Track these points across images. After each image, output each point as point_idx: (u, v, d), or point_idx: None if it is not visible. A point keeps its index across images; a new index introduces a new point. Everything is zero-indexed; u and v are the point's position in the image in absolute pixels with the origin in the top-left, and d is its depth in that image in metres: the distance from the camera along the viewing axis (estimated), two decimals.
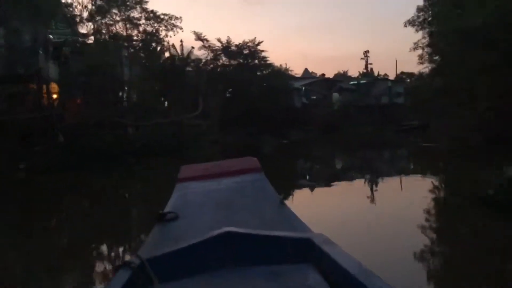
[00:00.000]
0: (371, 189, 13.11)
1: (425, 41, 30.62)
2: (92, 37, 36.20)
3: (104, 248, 8.37)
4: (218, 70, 43.49)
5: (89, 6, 35.18)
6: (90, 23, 36.01)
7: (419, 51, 31.63)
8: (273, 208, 2.98)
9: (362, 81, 59.93)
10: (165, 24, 39.46)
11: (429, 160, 20.64)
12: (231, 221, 2.51)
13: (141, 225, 9.13)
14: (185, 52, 42.07)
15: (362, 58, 73.33)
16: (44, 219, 11.18)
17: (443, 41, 25.61)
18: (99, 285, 5.79)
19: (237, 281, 2.04)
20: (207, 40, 42.92)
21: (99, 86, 26.08)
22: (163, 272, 2.00)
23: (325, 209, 9.46)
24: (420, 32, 30.82)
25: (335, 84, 53.96)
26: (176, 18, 39.54)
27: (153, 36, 40.38)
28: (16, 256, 7.75)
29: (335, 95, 52.79)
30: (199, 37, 42.59)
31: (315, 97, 50.80)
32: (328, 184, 14.71)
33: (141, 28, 39.36)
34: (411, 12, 36.15)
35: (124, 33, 38.70)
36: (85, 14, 34.45)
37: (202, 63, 42.39)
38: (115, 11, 37.38)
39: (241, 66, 43.69)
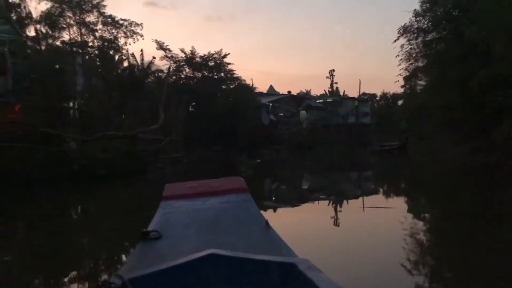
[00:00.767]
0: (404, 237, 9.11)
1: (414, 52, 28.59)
2: (43, 42, 32.96)
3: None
4: (181, 82, 40.54)
5: (39, 8, 31.91)
6: (40, 26, 32.80)
7: (404, 66, 29.94)
8: (259, 230, 2.91)
9: (328, 100, 58.55)
10: (124, 30, 36.43)
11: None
12: (216, 243, 2.50)
13: None
14: (146, 62, 39.23)
15: (327, 77, 72.20)
16: None
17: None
18: None
19: None
20: (169, 50, 40.02)
21: (44, 94, 22.55)
22: None
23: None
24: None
25: (302, 102, 52.10)
26: (137, 24, 36.57)
27: (111, 43, 37.28)
28: None
29: (303, 113, 50.90)
30: (161, 46, 39.62)
31: (282, 114, 48.71)
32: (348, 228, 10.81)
33: (97, 34, 36.28)
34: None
35: (79, 39, 35.54)
36: (35, 15, 31.09)
37: (164, 75, 39.46)
38: (69, 14, 34.23)
39: (206, 78, 41.00)
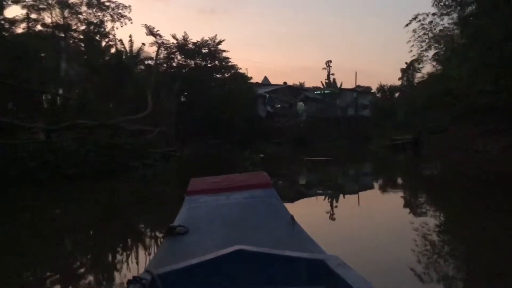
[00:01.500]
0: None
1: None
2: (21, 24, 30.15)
3: None
4: (173, 70, 37.87)
5: None
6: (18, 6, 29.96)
7: (416, 51, 27.39)
8: (284, 226, 2.89)
9: (326, 91, 56.08)
10: (111, 13, 33.65)
11: None
12: (242, 238, 2.48)
13: None
14: (135, 49, 36.50)
15: (324, 68, 69.67)
16: None
17: None
18: None
19: None
20: (160, 36, 37.25)
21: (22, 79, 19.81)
22: None
23: None
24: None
25: (299, 93, 49.58)
26: (125, 7, 33.80)
27: (97, 28, 34.49)
28: None
29: (300, 104, 48.43)
30: (151, 31, 36.84)
31: (279, 105, 46.21)
32: None
33: (82, 17, 33.47)
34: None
35: (61, 22, 32.71)
36: None
37: (154, 61, 36.76)
38: None
39: (199, 67, 38.36)
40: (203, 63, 38.49)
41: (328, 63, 69.70)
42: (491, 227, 6.89)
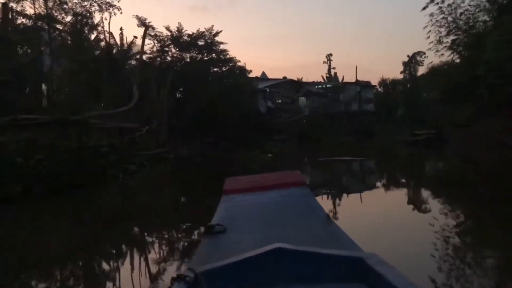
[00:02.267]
0: None
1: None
2: None
3: None
4: (165, 64, 35.37)
5: None
6: None
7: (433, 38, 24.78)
8: (321, 224, 2.89)
9: (329, 85, 53.67)
10: (99, 2, 31.07)
11: None
12: (279, 236, 2.50)
13: None
14: (127, 42, 34.05)
15: (324, 62, 67.67)
16: None
17: None
18: None
19: None
20: (152, 28, 34.69)
21: None
22: (215, 286, 2.01)
23: None
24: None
25: (301, 87, 47.09)
26: None
27: (85, 19, 31.93)
28: None
29: (302, 99, 46.04)
30: (143, 22, 34.25)
31: (280, 101, 43.78)
32: None
33: (67, 7, 30.88)
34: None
35: (44, 12, 30.15)
36: None
37: (147, 56, 34.29)
38: None
39: (195, 60, 35.83)
40: (199, 56, 35.94)
41: (329, 56, 67.43)
42: None
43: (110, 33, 33.42)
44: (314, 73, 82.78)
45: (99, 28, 32.64)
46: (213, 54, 36.01)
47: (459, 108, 23.21)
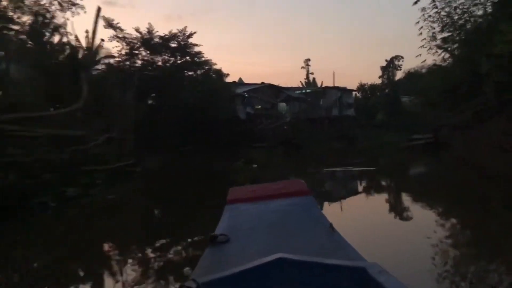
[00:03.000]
0: None
1: None
2: None
3: None
4: (135, 69, 32.69)
5: None
6: None
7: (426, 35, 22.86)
8: (324, 233, 2.88)
9: (308, 90, 51.78)
10: (59, 0, 28.20)
11: None
12: (282, 246, 2.51)
13: None
14: (93, 45, 31.16)
15: (302, 67, 65.77)
16: None
17: None
18: None
19: None
20: (121, 29, 32.01)
21: None
22: None
23: None
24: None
25: (281, 92, 44.91)
26: None
27: (45, 19, 29.01)
28: None
29: (282, 105, 43.90)
30: (110, 23, 31.57)
31: (260, 106, 41.48)
32: None
33: (24, 6, 27.94)
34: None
35: None
36: None
37: (115, 60, 31.54)
38: None
39: (169, 63, 33.29)
40: (172, 59, 33.38)
41: (307, 61, 65.82)
42: None
43: (76, 37, 30.64)
44: (293, 79, 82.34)
45: (62, 30, 29.81)
46: (187, 57, 33.52)
47: (457, 109, 21.21)
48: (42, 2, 27.83)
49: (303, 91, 51.58)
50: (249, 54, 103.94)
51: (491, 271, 5.10)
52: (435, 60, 24.62)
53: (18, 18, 28.08)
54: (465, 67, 20.35)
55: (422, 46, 24.19)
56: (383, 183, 14.34)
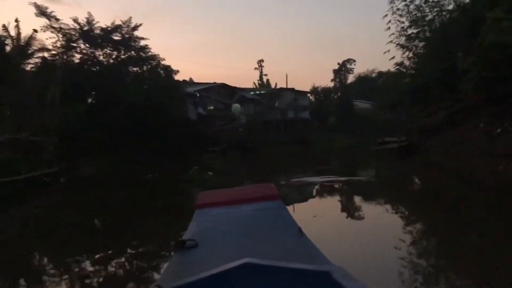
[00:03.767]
0: None
1: None
2: None
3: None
4: (73, 62, 29.25)
5: None
6: None
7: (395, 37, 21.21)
8: (292, 238, 2.89)
9: (263, 91, 49.75)
10: None
11: None
12: (251, 251, 2.52)
13: None
14: (24, 37, 27.39)
15: (256, 68, 63.54)
16: None
17: None
18: None
19: None
20: (56, 19, 28.41)
21: None
22: None
23: None
24: None
25: (235, 93, 42.44)
26: None
27: None
28: None
29: (236, 106, 41.57)
30: (42, 11, 27.95)
31: (212, 107, 38.82)
32: None
33: None
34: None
35: None
36: None
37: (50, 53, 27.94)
38: None
39: (111, 58, 30.01)
40: (115, 53, 30.09)
41: (260, 62, 63.72)
42: None
43: (4, 26, 26.79)
44: (246, 80, 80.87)
45: None
46: (132, 52, 30.35)
47: (427, 110, 19.51)
48: None
49: (258, 92, 49.46)
50: (200, 56, 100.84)
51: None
52: (402, 57, 22.88)
53: None
54: (436, 65, 18.72)
55: (390, 41, 22.54)
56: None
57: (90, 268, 5.55)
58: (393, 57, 23.23)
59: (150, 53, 30.49)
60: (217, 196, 3.92)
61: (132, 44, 30.19)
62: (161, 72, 30.97)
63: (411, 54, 22.53)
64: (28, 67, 27.33)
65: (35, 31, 27.10)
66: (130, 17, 30.19)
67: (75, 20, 29.01)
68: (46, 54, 28.14)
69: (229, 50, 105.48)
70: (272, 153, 27.24)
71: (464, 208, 8.49)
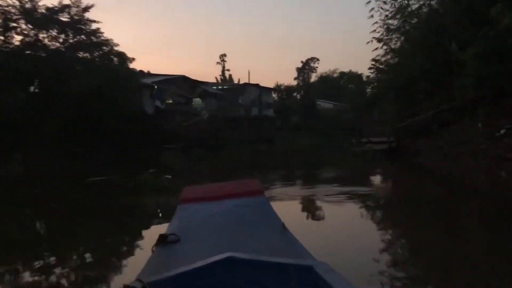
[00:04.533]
0: None
1: None
2: None
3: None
4: (13, 45, 25.76)
5: None
6: None
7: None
8: (276, 233, 2.84)
9: (226, 86, 47.27)
10: None
11: None
12: (234, 246, 2.44)
13: None
14: None
15: (218, 63, 60.92)
16: None
17: None
18: None
19: None
20: None
21: None
22: None
23: None
24: None
25: (196, 87, 39.58)
26: None
27: None
28: None
29: (198, 101, 38.76)
30: None
31: (171, 100, 35.91)
32: None
33: None
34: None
35: None
36: None
37: None
38: None
39: (58, 42, 26.65)
40: (62, 37, 26.72)
41: (223, 57, 61.17)
42: None
43: None
44: (208, 76, 78.28)
45: None
46: (82, 36, 27.05)
47: (414, 109, 17.53)
48: None
49: (222, 86, 46.91)
50: (159, 49, 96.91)
51: None
52: (386, 49, 20.91)
53: None
54: (424, 58, 16.82)
55: (374, 30, 20.56)
56: None
57: None
58: (376, 48, 21.29)
59: (102, 38, 27.30)
60: (201, 192, 3.89)
61: (82, 27, 26.91)
62: (114, 59, 27.84)
63: (393, 46, 20.71)
64: None
65: None
66: None
67: None
68: None
69: (190, 45, 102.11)
70: (239, 153, 24.85)
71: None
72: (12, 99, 23.61)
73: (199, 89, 39.22)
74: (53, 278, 4.66)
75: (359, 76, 65.08)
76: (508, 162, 12.25)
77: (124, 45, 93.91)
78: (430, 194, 10.01)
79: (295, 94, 62.32)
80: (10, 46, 25.83)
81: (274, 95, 57.49)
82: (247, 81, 49.37)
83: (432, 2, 18.06)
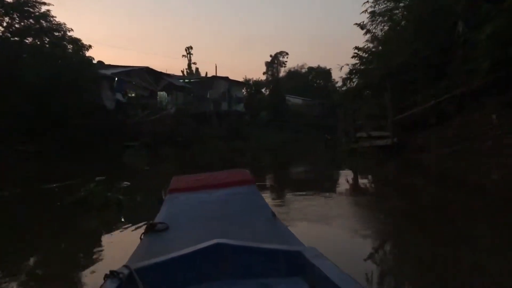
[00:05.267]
0: None
1: None
2: None
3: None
4: None
5: None
6: None
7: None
8: (265, 221, 2.82)
9: (193, 80, 44.64)
10: None
11: None
12: (222, 233, 2.41)
13: None
14: None
15: (183, 55, 57.97)
16: None
17: None
18: None
19: None
20: None
21: None
22: (152, 282, 1.92)
23: None
24: None
25: (162, 79, 36.76)
26: None
27: None
28: None
29: (163, 94, 36.02)
30: None
31: (134, 94, 33.04)
32: None
33: None
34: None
35: None
36: None
37: None
38: None
39: (1, 26, 23.55)
40: (7, 20, 23.58)
41: (189, 49, 58.29)
42: None
43: None
44: (173, 68, 75.33)
45: None
46: (30, 20, 23.91)
47: (409, 100, 15.57)
48: None
49: (188, 80, 44.24)
50: (120, 41, 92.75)
51: None
52: (376, 33, 19.07)
53: None
54: (424, 41, 14.94)
55: (364, 11, 18.56)
56: None
57: None
58: (368, 31, 19.34)
59: (54, 23, 24.24)
60: (190, 181, 3.73)
61: (30, 9, 23.80)
62: (69, 46, 24.82)
63: (385, 28, 18.86)
64: None
65: None
66: None
67: None
68: None
69: (154, 37, 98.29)
70: (210, 150, 22.49)
71: None
72: None
73: (164, 81, 36.44)
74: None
75: (328, 71, 64.12)
76: None
77: (81, 35, 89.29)
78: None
79: (264, 89, 60.60)
80: None
81: (243, 90, 55.37)
82: (215, 74, 46.94)
83: None
